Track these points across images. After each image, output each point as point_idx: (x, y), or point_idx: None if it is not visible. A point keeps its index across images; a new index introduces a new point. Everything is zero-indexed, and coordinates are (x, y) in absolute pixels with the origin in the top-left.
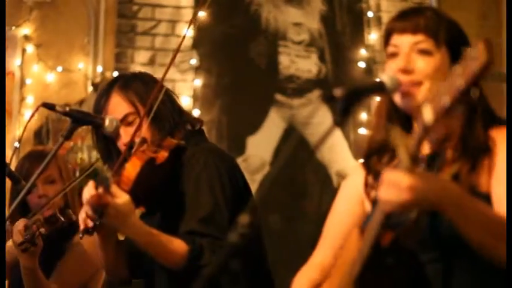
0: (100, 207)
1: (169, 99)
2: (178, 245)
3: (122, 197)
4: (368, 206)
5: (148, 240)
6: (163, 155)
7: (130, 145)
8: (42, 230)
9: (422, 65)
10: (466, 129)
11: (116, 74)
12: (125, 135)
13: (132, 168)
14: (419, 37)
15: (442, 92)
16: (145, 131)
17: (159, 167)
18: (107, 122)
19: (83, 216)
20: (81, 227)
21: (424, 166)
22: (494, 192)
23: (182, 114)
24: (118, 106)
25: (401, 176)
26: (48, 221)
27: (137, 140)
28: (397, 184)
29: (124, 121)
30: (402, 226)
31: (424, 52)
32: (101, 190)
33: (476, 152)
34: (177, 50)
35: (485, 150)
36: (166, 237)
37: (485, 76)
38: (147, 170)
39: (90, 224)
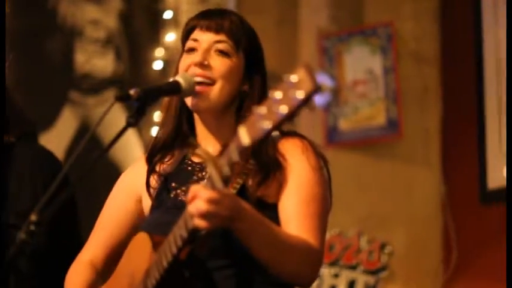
0: None
1: None
2: None
3: None
4: (147, 205)
5: None
6: None
7: None
8: None
9: (219, 64)
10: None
11: None
12: None
13: None
14: (221, 37)
15: (260, 115)
16: None
17: None
18: None
19: None
20: None
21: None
22: (283, 210)
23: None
24: None
25: (214, 193)
26: None
27: None
28: (213, 200)
29: None
30: (197, 239)
31: (223, 53)
32: None
33: (267, 165)
34: None
35: (276, 163)
36: None
37: (311, 103)
38: None
39: None
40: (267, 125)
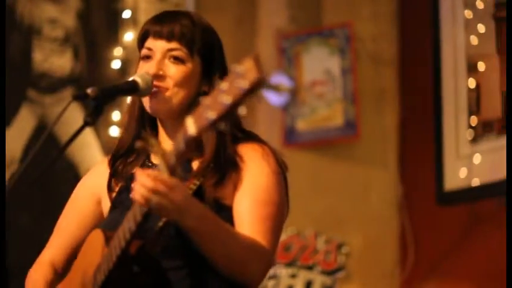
0: None
1: None
2: None
3: None
4: (107, 207)
5: None
6: None
7: None
8: None
9: (174, 72)
10: (218, 143)
11: None
12: None
13: None
14: (174, 45)
15: (206, 106)
16: None
17: None
18: None
19: None
20: None
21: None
22: (238, 211)
23: None
24: None
25: (163, 182)
26: None
27: None
28: (164, 189)
29: None
30: (149, 235)
31: (177, 59)
32: None
33: (224, 166)
34: None
35: (233, 165)
36: None
37: (256, 93)
38: None
39: None
40: (212, 115)
